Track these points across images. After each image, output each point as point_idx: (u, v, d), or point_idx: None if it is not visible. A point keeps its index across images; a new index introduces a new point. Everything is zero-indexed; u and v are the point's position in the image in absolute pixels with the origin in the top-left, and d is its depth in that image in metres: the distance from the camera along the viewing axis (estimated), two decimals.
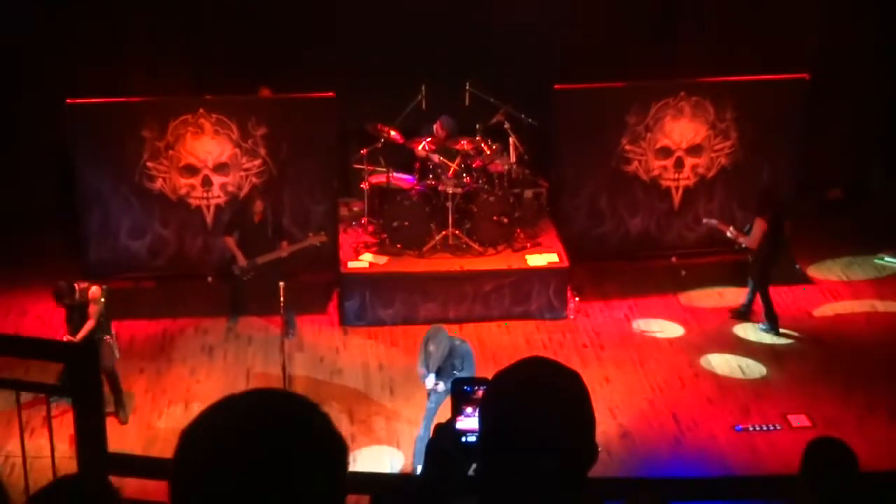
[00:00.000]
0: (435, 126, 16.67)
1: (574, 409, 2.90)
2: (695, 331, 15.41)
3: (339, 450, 2.49)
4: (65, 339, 13.11)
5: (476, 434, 3.16)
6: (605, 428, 13.06)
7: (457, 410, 3.40)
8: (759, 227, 15.14)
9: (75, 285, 13.23)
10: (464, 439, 3.36)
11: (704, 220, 16.23)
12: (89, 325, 13.18)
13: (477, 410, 3.21)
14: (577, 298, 16.23)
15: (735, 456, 12.93)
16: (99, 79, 17.17)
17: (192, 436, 2.45)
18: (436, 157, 16.28)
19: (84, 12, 17.46)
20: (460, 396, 3.43)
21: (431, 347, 12.24)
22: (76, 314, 13.24)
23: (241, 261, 15.17)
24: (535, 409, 2.85)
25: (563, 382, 2.93)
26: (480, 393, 3.35)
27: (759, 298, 15.55)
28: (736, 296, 16.24)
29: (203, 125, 16.12)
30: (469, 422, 3.37)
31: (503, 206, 16.40)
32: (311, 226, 16.30)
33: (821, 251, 17.62)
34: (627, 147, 16.89)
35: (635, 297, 16.35)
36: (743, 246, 15.37)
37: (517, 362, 3.00)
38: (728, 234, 15.45)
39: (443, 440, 3.38)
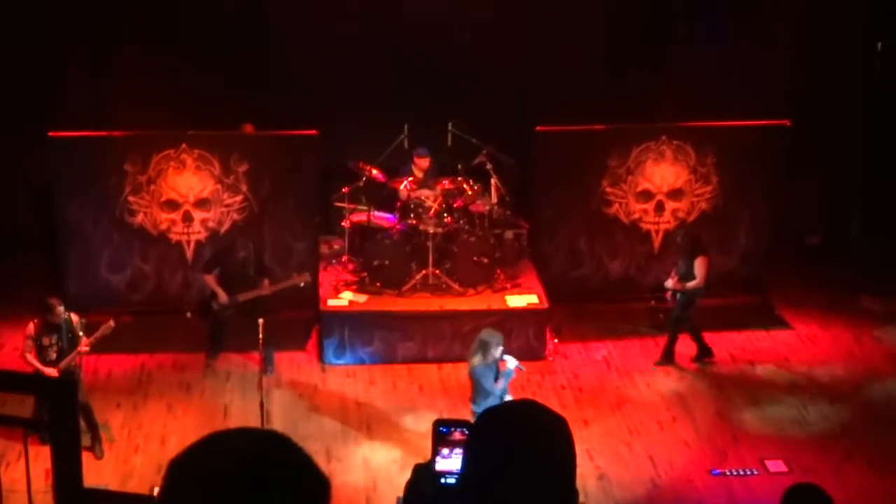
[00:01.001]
0: (414, 159, 16.70)
1: (559, 453, 2.91)
2: (673, 374, 15.40)
3: (321, 488, 2.50)
4: (37, 363, 12.86)
5: (455, 475, 3.16)
6: (582, 470, 13.03)
7: (435, 451, 3.40)
8: (703, 265, 15.19)
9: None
10: (443, 480, 3.35)
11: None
12: (83, 350, 13.03)
13: (454, 451, 3.22)
14: (555, 340, 16.24)
15: (712, 500, 12.91)
16: (82, 112, 17.20)
17: (177, 474, 2.46)
18: (417, 196, 16.30)
19: (69, 45, 17.50)
20: (438, 438, 3.42)
21: (496, 348, 12.42)
22: (54, 336, 12.95)
23: (223, 297, 15.13)
24: (523, 451, 2.86)
25: (550, 426, 2.94)
26: (457, 434, 3.35)
27: (685, 337, 15.69)
28: (715, 340, 16.26)
29: (185, 160, 16.13)
30: (447, 463, 3.37)
31: (484, 246, 16.42)
32: (291, 262, 16.31)
33: (799, 297, 17.66)
34: (608, 189, 16.96)
35: (614, 340, 16.36)
36: (687, 289, 15.28)
37: (505, 403, 3.02)
38: (668, 285, 15.51)
39: (422, 482, 3.38)
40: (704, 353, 15.76)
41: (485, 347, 12.47)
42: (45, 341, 12.97)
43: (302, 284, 15.51)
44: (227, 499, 2.38)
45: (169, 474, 2.48)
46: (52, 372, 12.83)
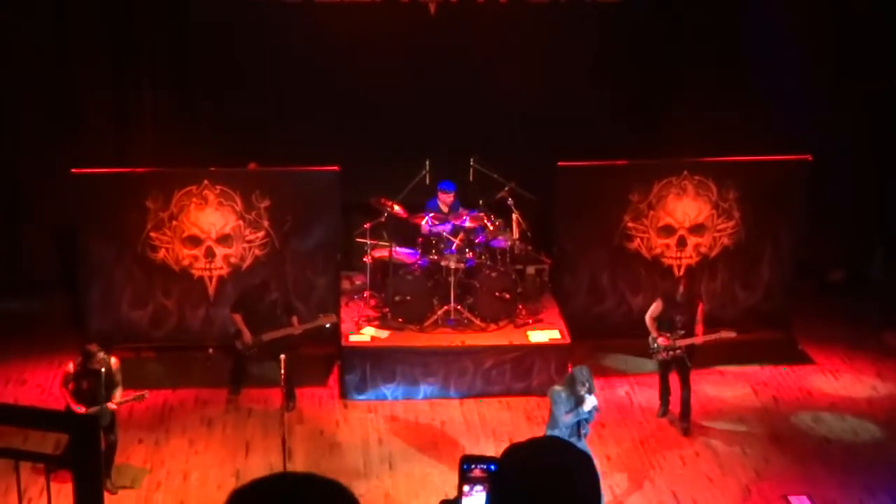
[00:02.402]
0: (438, 194, 16.73)
1: (583, 490, 2.89)
2: (695, 410, 15.33)
3: None
4: (69, 398, 13.10)
5: None
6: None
7: (461, 488, 3.38)
8: (702, 311, 15.08)
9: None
10: None
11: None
12: (122, 392, 13.32)
13: (474, 488, 3.20)
14: None
15: None
16: (104, 149, 17.29)
17: None
18: (438, 232, 16.31)
19: (90, 81, 17.59)
20: (464, 474, 3.41)
21: (580, 386, 12.41)
22: (93, 381, 13.10)
23: (247, 338, 15.13)
24: (547, 488, 2.84)
25: (575, 464, 2.92)
26: (477, 472, 3.33)
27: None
28: (737, 376, 16.22)
29: (207, 196, 16.18)
30: (472, 500, 3.35)
31: (505, 281, 16.41)
32: (313, 298, 16.35)
33: (821, 332, 17.60)
34: (630, 224, 16.95)
35: (636, 375, 16.31)
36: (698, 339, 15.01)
37: (531, 440, 3.00)
38: (679, 343, 14.84)
39: None
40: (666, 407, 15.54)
41: (571, 382, 12.53)
42: (84, 385, 13.17)
43: (328, 325, 15.52)
44: None
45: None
46: (80, 410, 12.87)
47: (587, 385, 12.46)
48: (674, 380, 15.05)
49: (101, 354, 13.16)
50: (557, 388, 12.63)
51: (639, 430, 15.03)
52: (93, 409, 12.94)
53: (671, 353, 14.80)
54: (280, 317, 15.24)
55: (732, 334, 14.89)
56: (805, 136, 17.51)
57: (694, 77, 18.38)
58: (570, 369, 13.10)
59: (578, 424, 12.52)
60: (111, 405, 13.20)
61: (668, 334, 14.75)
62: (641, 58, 18.31)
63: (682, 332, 14.74)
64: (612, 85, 18.14)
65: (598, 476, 2.91)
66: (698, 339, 14.82)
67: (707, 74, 18.33)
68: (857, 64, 18.44)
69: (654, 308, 15.00)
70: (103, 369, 13.13)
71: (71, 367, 13.29)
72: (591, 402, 12.44)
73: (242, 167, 16.82)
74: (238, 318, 15.24)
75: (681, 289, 15.02)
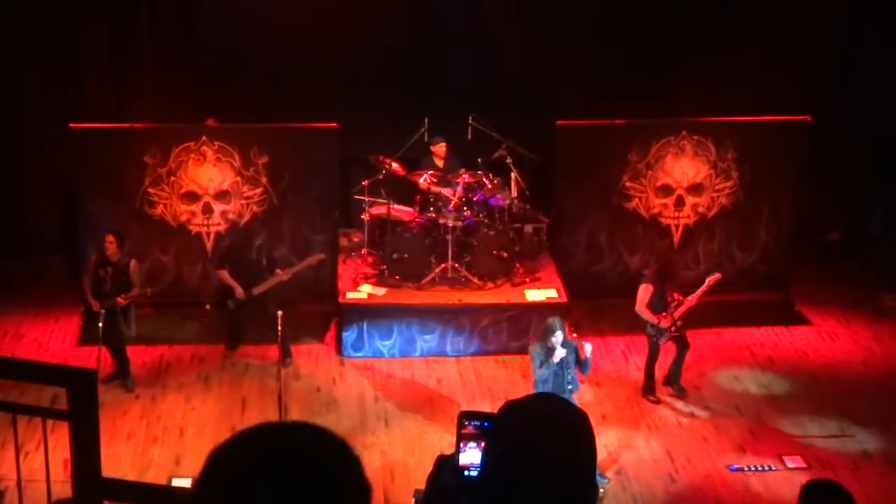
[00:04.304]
0: (431, 149, 16.71)
1: (579, 448, 2.90)
2: (691, 369, 15.36)
3: (363, 495, 2.47)
4: (87, 291, 14.40)
5: (477, 468, 3.15)
6: (600, 465, 13.03)
7: (459, 444, 3.39)
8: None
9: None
10: (466, 473, 3.34)
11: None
12: (138, 290, 14.41)
13: (470, 445, 3.20)
14: (574, 334, 16.17)
15: (729, 495, 12.89)
16: (103, 104, 17.24)
17: (218, 461, 2.42)
18: (437, 190, 16.30)
19: (89, 38, 17.51)
20: (460, 431, 3.41)
21: (553, 335, 12.46)
22: (110, 273, 14.15)
23: (239, 293, 15.13)
24: (542, 445, 2.85)
25: (571, 420, 2.92)
26: (471, 428, 3.33)
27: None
28: (734, 336, 16.27)
29: (205, 152, 16.16)
30: (470, 455, 3.36)
31: (503, 240, 16.40)
32: (310, 255, 16.34)
33: (819, 293, 17.62)
34: (628, 184, 16.94)
35: (632, 335, 16.31)
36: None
37: (527, 397, 3.00)
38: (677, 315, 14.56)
39: (444, 474, 3.37)
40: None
41: (543, 334, 12.65)
42: (101, 273, 14.24)
43: (317, 263, 15.54)
44: (264, 499, 2.34)
45: (210, 461, 2.43)
46: (94, 304, 14.26)
47: (559, 336, 12.45)
48: (667, 350, 14.89)
49: (114, 246, 14.21)
50: (533, 343, 12.68)
51: (634, 389, 15.05)
52: (106, 303, 14.14)
53: (674, 331, 14.56)
54: (266, 270, 15.25)
55: (717, 275, 14.65)
56: (803, 95, 17.47)
57: (695, 36, 18.30)
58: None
59: (563, 380, 12.55)
60: (120, 300, 14.16)
61: (665, 313, 14.46)
62: (642, 16, 18.21)
63: (675, 303, 14.51)
64: (613, 42, 18.05)
65: (592, 433, 2.91)
66: (693, 300, 14.53)
67: (708, 33, 18.26)
68: (856, 21, 18.39)
69: (643, 294, 14.49)
70: (119, 264, 14.22)
71: (94, 258, 14.46)
72: (559, 352, 12.46)
73: (247, 122, 16.73)
74: (225, 273, 15.24)
75: (677, 264, 14.88)
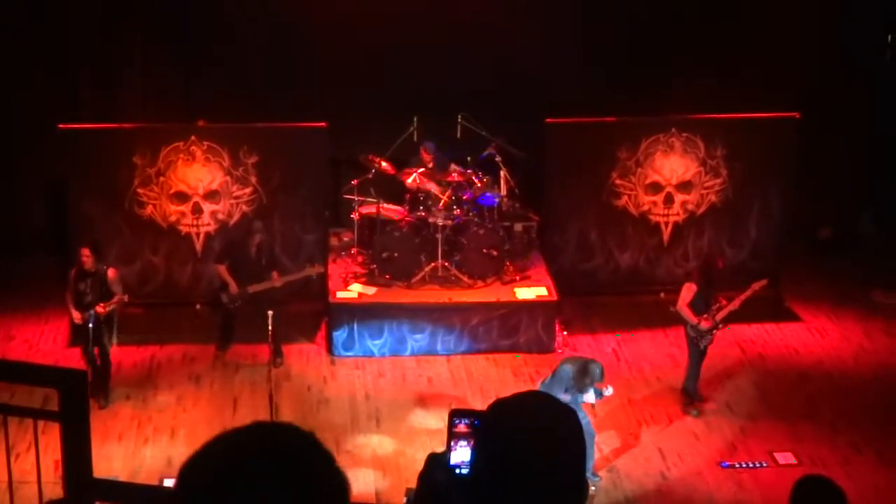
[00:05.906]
0: (420, 151, 16.71)
1: (568, 445, 2.90)
2: (682, 366, 15.37)
3: (341, 491, 2.46)
4: (71, 304, 14.02)
5: (468, 466, 3.15)
6: (592, 462, 13.04)
7: (450, 442, 3.39)
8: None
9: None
10: (457, 471, 3.34)
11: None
12: (121, 298, 14.05)
13: (461, 443, 3.20)
14: (565, 332, 16.23)
15: (721, 492, 12.91)
16: (92, 104, 17.22)
17: (195, 468, 2.42)
18: (426, 188, 16.29)
19: (79, 38, 17.49)
20: (451, 429, 3.41)
21: (590, 382, 12.46)
22: (88, 282, 13.88)
23: (234, 289, 15.12)
24: (531, 443, 2.84)
25: (558, 418, 2.92)
26: (462, 427, 3.33)
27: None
28: (724, 332, 16.27)
29: (194, 152, 16.15)
30: (460, 454, 3.36)
31: (493, 238, 16.40)
32: (301, 255, 16.34)
33: (809, 290, 17.65)
34: (618, 181, 16.95)
35: (623, 332, 16.34)
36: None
37: (514, 395, 3.00)
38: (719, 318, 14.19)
39: (436, 472, 3.37)
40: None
41: (584, 371, 12.50)
42: (81, 286, 13.95)
43: (314, 276, 15.55)
44: (242, 499, 2.34)
45: (185, 470, 2.43)
46: (76, 316, 13.99)
47: (594, 382, 12.48)
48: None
49: (89, 259, 13.86)
50: (568, 366, 12.58)
51: (626, 387, 15.04)
52: (86, 316, 13.82)
53: (717, 331, 14.20)
54: (265, 269, 15.23)
55: (763, 282, 14.43)
56: (792, 93, 17.49)
57: (685, 34, 18.30)
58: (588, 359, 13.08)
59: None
60: (99, 309, 13.84)
61: (706, 315, 14.07)
62: (632, 15, 18.22)
63: (717, 305, 14.13)
64: (603, 41, 18.05)
65: (582, 431, 2.91)
66: (736, 304, 14.14)
67: (699, 31, 18.27)
68: (844, 18, 18.41)
69: (686, 294, 14.09)
70: (98, 274, 13.89)
71: (72, 272, 14.10)
72: (590, 396, 12.52)
73: (236, 122, 16.71)
74: (223, 269, 15.25)
75: (720, 265, 14.36)
